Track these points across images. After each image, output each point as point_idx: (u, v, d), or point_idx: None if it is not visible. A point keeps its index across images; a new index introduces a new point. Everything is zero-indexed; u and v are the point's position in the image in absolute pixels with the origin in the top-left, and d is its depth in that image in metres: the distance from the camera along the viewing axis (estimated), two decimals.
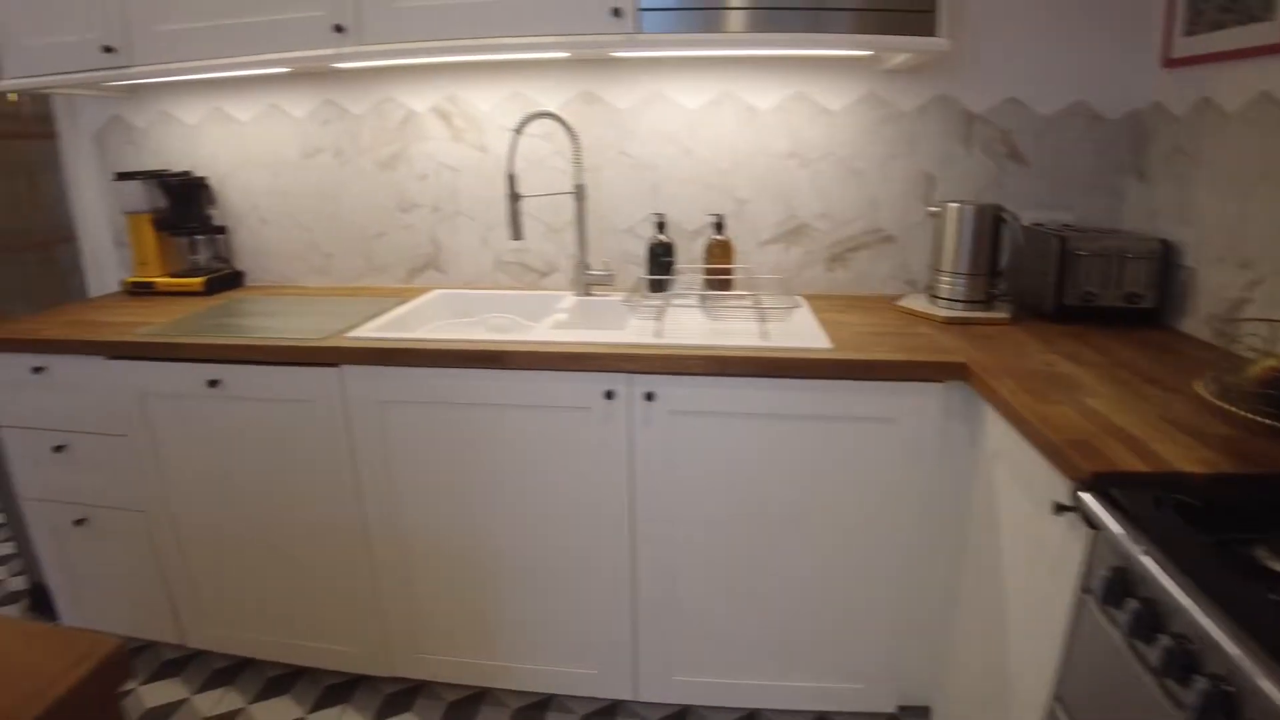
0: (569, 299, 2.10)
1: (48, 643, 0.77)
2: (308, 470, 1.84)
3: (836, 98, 2.08)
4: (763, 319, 1.82)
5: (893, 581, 1.73)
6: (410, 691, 2.07)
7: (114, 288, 2.59)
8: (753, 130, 2.12)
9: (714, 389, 1.62)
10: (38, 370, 1.96)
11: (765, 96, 2.10)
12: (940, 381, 1.58)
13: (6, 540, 3.02)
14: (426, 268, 2.33)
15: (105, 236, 2.59)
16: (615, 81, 2.13)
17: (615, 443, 1.68)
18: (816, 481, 1.67)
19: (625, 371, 1.62)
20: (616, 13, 1.73)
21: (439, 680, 2.02)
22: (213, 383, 1.81)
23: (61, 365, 1.95)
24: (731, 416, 1.64)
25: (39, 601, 2.49)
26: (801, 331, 1.75)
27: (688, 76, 2.11)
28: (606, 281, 2.17)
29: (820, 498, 1.68)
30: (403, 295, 2.21)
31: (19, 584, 2.71)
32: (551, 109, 2.15)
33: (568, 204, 2.21)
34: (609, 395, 1.64)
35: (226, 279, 2.36)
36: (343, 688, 2.09)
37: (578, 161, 2.07)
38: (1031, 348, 1.67)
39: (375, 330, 1.82)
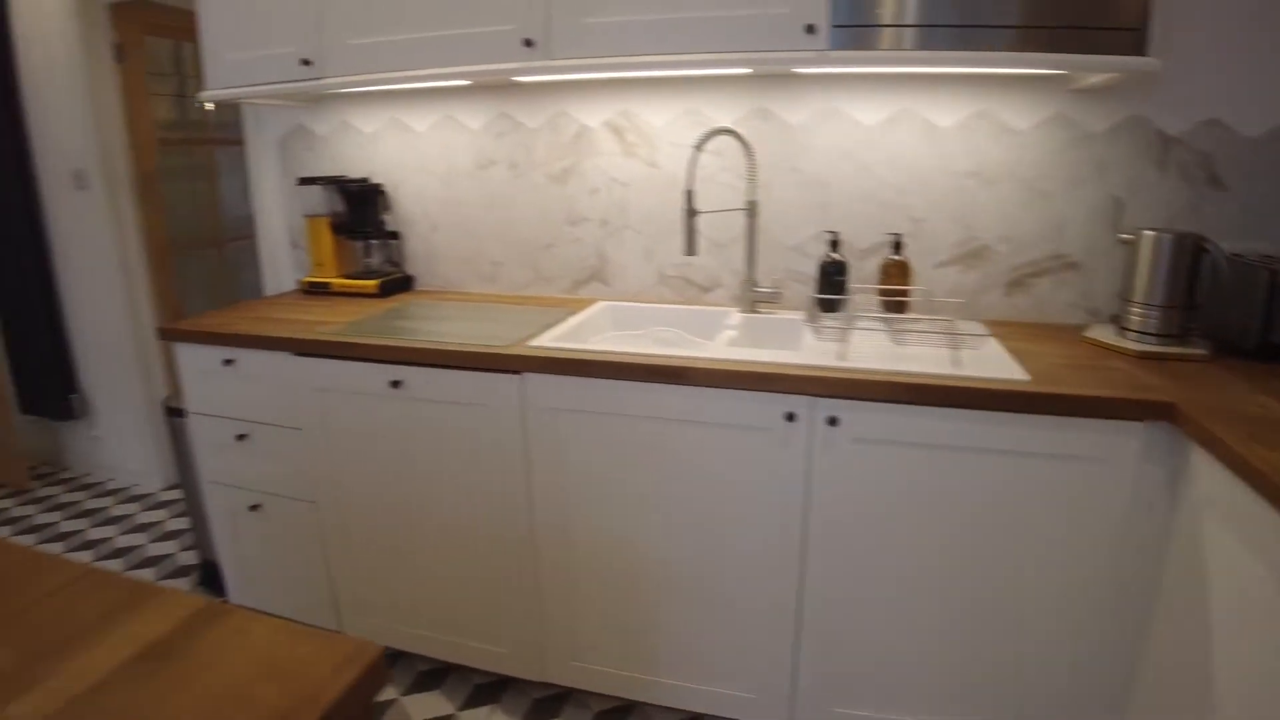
0: (735, 316, 2.08)
1: (312, 645, 0.78)
2: (480, 472, 1.88)
3: (1022, 116, 1.99)
4: (951, 345, 1.75)
5: (1073, 626, 1.62)
6: (559, 698, 2.08)
7: (289, 286, 2.73)
8: (932, 148, 2.05)
9: (900, 417, 1.56)
10: (228, 363, 2.08)
11: (946, 114, 2.03)
12: (1141, 421, 1.47)
13: (180, 515, 3.22)
14: (591, 280, 2.36)
15: (282, 238, 2.74)
16: (790, 97, 2.10)
17: (792, 466, 1.64)
18: (1000, 517, 1.58)
19: (808, 394, 1.59)
20: (810, 29, 1.70)
21: (588, 689, 2.03)
22: (395, 383, 1.87)
23: (249, 359, 2.05)
24: (918, 447, 1.57)
25: (208, 578, 2.64)
26: (992, 360, 1.67)
27: (865, 92, 2.06)
28: (773, 299, 2.14)
29: (1002, 534, 1.59)
30: (568, 306, 2.24)
31: (189, 558, 2.88)
32: (726, 125, 2.14)
33: (734, 220, 2.19)
34: (790, 418, 1.61)
35: (398, 282, 2.45)
36: (492, 687, 2.12)
37: (752, 178, 2.05)
38: (1238, 388, 1.54)
39: (554, 340, 1.84)
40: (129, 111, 3.25)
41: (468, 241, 2.46)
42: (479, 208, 2.42)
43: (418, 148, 2.46)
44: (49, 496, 3.55)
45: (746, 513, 1.72)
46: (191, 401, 2.20)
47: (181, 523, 3.17)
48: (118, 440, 3.57)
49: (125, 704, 0.70)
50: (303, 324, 2.09)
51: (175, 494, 3.45)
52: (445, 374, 1.83)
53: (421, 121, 2.44)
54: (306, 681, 0.73)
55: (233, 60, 2.23)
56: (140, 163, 3.29)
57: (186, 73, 3.68)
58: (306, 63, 2.11)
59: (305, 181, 2.46)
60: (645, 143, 2.23)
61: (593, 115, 2.26)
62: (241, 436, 2.14)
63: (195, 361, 2.14)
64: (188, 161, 3.69)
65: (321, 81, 2.10)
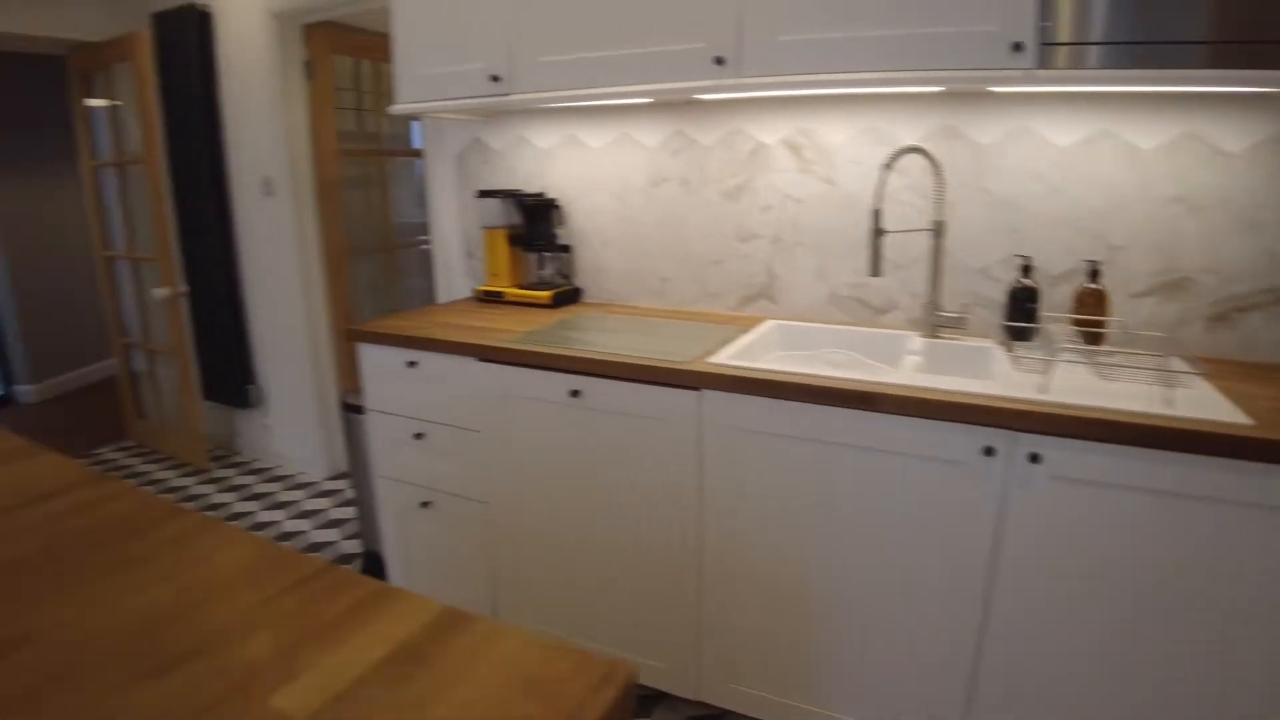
0: (916, 340, 2.02)
1: (566, 662, 0.78)
2: (651, 485, 1.90)
3: (1236, 139, 1.85)
4: (1162, 382, 1.64)
5: None
6: (711, 719, 2.07)
7: (461, 294, 2.85)
8: (1133, 172, 1.93)
9: (1107, 457, 1.47)
10: (411, 364, 2.18)
11: (1149, 135, 1.91)
12: None
13: (342, 505, 3.40)
14: (759, 297, 2.34)
15: (457, 247, 2.85)
16: (980, 116, 2.03)
17: (985, 502, 1.57)
18: (1210, 570, 1.46)
19: (1009, 428, 1.52)
20: (1017, 48, 1.63)
21: (745, 713, 2.00)
22: (575, 393, 1.91)
23: (433, 362, 2.15)
24: (1125, 490, 1.47)
25: (370, 568, 2.77)
26: (1206, 401, 1.55)
27: (1061, 111, 1.96)
28: (958, 325, 2.06)
29: (1211, 588, 1.47)
30: (735, 323, 2.23)
31: (351, 547, 3.03)
32: (912, 143, 2.09)
33: (916, 240, 2.13)
34: (988, 452, 1.54)
35: (568, 294, 2.51)
36: (645, 701, 2.13)
37: (939, 198, 1.99)
38: None
39: (730, 358, 1.84)
40: (314, 124, 3.47)
41: (638, 257, 2.49)
42: (650, 224, 2.45)
43: (592, 164, 2.51)
44: (224, 478, 3.82)
45: (930, 546, 1.66)
46: (372, 399, 2.32)
47: (343, 511, 3.34)
48: (287, 429, 3.81)
49: (387, 706, 0.72)
50: (483, 331, 2.17)
51: (337, 484, 3.65)
52: (623, 386, 1.86)
53: (597, 138, 2.49)
54: (567, 701, 0.72)
55: (424, 75, 2.35)
56: (322, 172, 3.51)
57: (364, 88, 3.90)
58: (496, 79, 2.20)
59: (485, 194, 2.55)
60: (823, 160, 2.20)
61: (769, 132, 2.25)
62: (419, 435, 2.24)
63: (379, 362, 2.25)
64: (361, 171, 3.91)
65: (510, 97, 2.18)
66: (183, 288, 3.73)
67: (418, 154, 4.10)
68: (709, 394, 1.76)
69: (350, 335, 2.29)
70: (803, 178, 2.24)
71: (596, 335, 2.08)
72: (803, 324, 2.22)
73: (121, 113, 3.92)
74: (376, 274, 4.00)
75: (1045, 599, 1.59)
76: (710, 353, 1.88)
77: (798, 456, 1.72)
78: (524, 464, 2.08)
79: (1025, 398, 1.53)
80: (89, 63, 3.88)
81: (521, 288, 2.53)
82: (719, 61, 1.89)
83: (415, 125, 4.18)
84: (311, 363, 3.59)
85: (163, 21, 3.61)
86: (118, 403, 4.71)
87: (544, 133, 2.58)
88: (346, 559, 2.95)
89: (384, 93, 3.94)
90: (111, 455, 4.33)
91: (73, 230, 5.62)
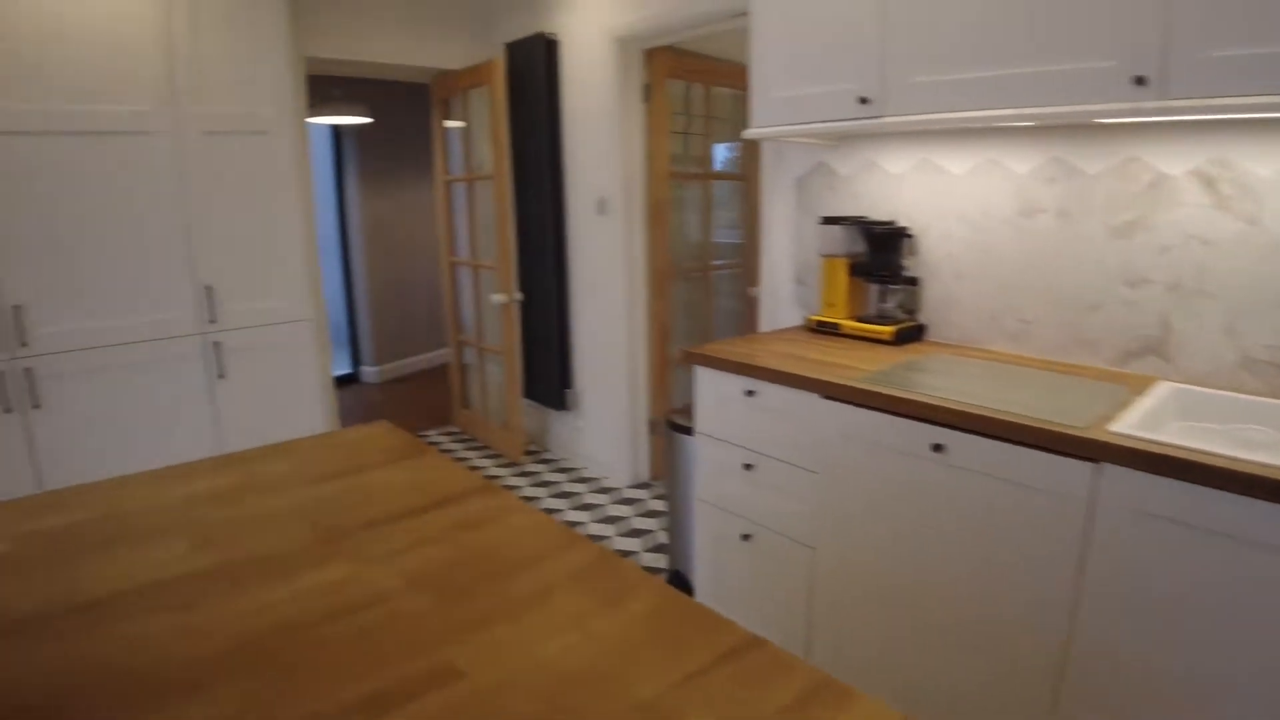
0: None
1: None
2: (1014, 561, 1.69)
3: None
4: None
5: None
6: None
7: (786, 321, 2.79)
8: None
9: None
10: (750, 394, 2.13)
11: None
12: None
13: (645, 515, 3.47)
14: (1146, 353, 2.03)
15: (788, 273, 2.80)
16: None
17: None
18: None
19: None
20: None
21: None
22: (937, 447, 1.76)
23: (772, 393, 2.09)
24: None
25: (673, 586, 2.78)
26: None
27: None
28: None
29: None
30: (1118, 381, 1.94)
31: (652, 560, 3.08)
32: None
33: None
34: None
35: (911, 331, 2.35)
36: None
37: None
38: None
39: (1134, 427, 1.58)
40: (649, 146, 3.60)
41: (996, 294, 2.27)
42: (1014, 258, 2.22)
43: (950, 191, 2.33)
44: (535, 473, 4.09)
45: None
46: (702, 423, 2.32)
47: (645, 522, 3.42)
48: (596, 434, 4.00)
49: None
50: (823, 365, 2.08)
51: (640, 493, 3.75)
52: (996, 446, 1.67)
53: (957, 163, 2.31)
54: None
55: (781, 98, 2.31)
56: (653, 193, 3.63)
57: (693, 112, 3.99)
58: (864, 101, 2.10)
59: (829, 221, 2.47)
60: (1246, 196, 1.85)
61: (1175, 161, 1.93)
62: (748, 466, 2.19)
63: (715, 387, 2.24)
64: (684, 193, 4.00)
65: (881, 120, 2.07)
66: (517, 295, 4.05)
67: (742, 178, 4.13)
68: (1111, 469, 1.52)
69: (689, 358, 2.30)
70: (1216, 215, 1.90)
71: (953, 381, 1.91)
72: (1206, 390, 1.88)
73: (472, 133, 4.34)
74: (691, 294, 4.08)
75: None
76: (1108, 418, 1.63)
77: (1232, 563, 1.42)
78: (862, 513, 1.96)
79: None
80: (448, 88, 4.35)
81: (860, 320, 2.41)
82: (1139, 81, 1.64)
83: (716, 148, 4.21)
84: (627, 375, 3.72)
85: (515, 50, 3.94)
86: (447, 391, 5.25)
87: (897, 157, 2.44)
88: (649, 572, 2.99)
89: (712, 116, 4.00)
90: (438, 438, 4.82)
91: (422, 236, 6.40)
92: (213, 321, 3.04)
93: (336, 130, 6.02)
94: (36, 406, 2.72)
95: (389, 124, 5.90)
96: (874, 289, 2.45)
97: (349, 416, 5.19)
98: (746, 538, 2.26)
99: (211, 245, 3.01)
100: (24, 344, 2.67)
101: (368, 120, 5.28)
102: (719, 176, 4.16)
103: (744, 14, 2.82)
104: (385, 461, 1.46)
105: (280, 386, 3.24)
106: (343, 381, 6.19)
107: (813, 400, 1.99)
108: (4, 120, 2.55)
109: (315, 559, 1.06)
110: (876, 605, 1.98)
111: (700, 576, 2.48)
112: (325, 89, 4.71)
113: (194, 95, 2.89)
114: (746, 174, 4.15)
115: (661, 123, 3.61)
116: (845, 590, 2.04)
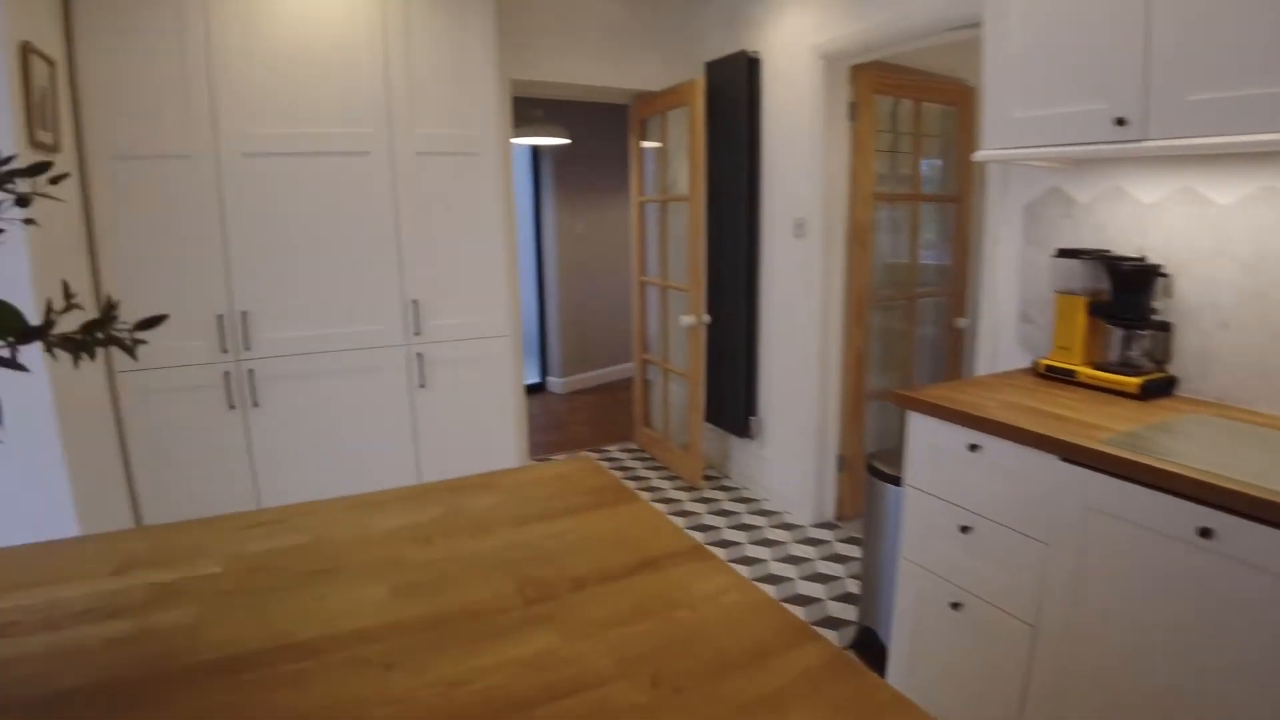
0: None
1: None
2: None
3: None
4: None
5: None
6: None
7: (1007, 362, 2.52)
8: None
9: None
10: (973, 448, 1.92)
11: None
12: None
13: (830, 559, 3.27)
14: None
15: (1010, 309, 2.53)
16: None
17: None
18: None
19: None
20: None
21: None
22: (1204, 532, 1.48)
23: (999, 450, 1.86)
24: None
25: (863, 643, 2.58)
26: None
27: None
28: None
29: None
30: None
31: (838, 610, 2.88)
32: None
33: None
34: None
35: (1160, 384, 2.03)
36: None
37: None
38: None
39: None
40: (852, 166, 3.41)
41: (1271, 348, 1.92)
42: None
43: (1215, 223, 2.00)
44: (714, 500, 3.98)
45: None
46: (913, 474, 2.12)
47: (830, 567, 3.22)
48: (780, 466, 3.84)
49: None
50: (1059, 420, 1.83)
51: (824, 533, 3.55)
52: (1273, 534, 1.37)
53: (1226, 192, 1.97)
54: None
55: (1020, 118, 2.07)
56: (855, 215, 3.43)
57: (899, 129, 3.75)
58: (1121, 122, 1.83)
59: (1066, 254, 2.19)
60: None
61: None
62: (965, 529, 1.97)
63: (931, 436, 2.04)
64: (888, 215, 3.77)
65: (1141, 144, 1.79)
66: (705, 317, 3.97)
67: (953, 200, 3.84)
68: None
69: (902, 401, 2.11)
70: None
71: (1222, 451, 1.60)
72: None
73: (668, 154, 4.32)
74: (888, 322, 3.83)
75: None
76: None
77: None
78: (1100, 596, 1.69)
79: None
80: (646, 109, 4.35)
81: (1098, 368, 2.11)
82: None
83: (923, 167, 3.93)
84: (818, 406, 3.54)
85: (714, 69, 3.87)
86: (628, 407, 5.26)
87: (1149, 183, 2.13)
88: (833, 623, 2.80)
89: (922, 134, 3.75)
90: (618, 454, 4.83)
91: (611, 254, 6.51)
92: (417, 334, 3.17)
93: (535, 150, 6.23)
94: (255, 405, 2.94)
95: (584, 144, 6.04)
96: (1117, 333, 2.14)
97: (535, 426, 5.33)
98: (956, 606, 2.04)
99: (419, 261, 3.14)
100: (248, 347, 2.90)
101: (565, 141, 5.41)
102: (928, 198, 3.88)
103: (966, 26, 2.61)
104: (589, 505, 1.40)
105: (476, 398, 3.33)
106: (530, 390, 6.38)
107: (1050, 462, 1.75)
108: (245, 143, 2.79)
109: (520, 621, 1.00)
110: (1108, 705, 1.70)
111: (897, 640, 2.27)
112: (528, 110, 4.86)
113: (408, 118, 3.03)
114: (957, 195, 3.85)
115: (866, 141, 3.41)
116: (1071, 682, 1.77)
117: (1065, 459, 1.71)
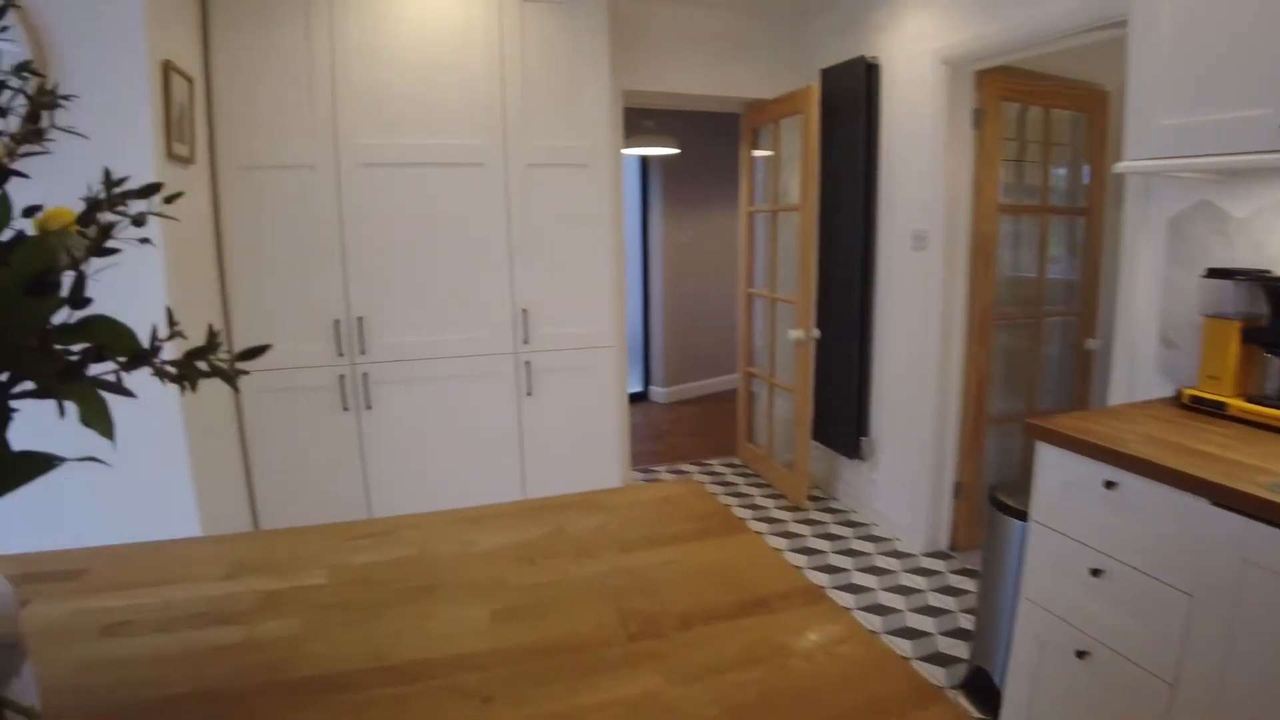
0: None
1: None
2: None
3: None
4: None
5: None
6: None
7: (1147, 390, 2.32)
8: None
9: None
10: (1110, 485, 1.76)
11: None
12: None
13: (942, 591, 3.09)
14: None
15: (1149, 332, 2.32)
16: None
17: None
18: None
19: None
20: None
21: None
22: None
23: (1140, 490, 1.69)
24: None
25: (974, 684, 2.43)
26: None
27: None
28: None
29: None
30: None
31: (948, 647, 2.72)
32: None
33: None
34: None
35: None
36: None
37: None
38: None
39: None
40: (977, 176, 3.24)
41: None
42: None
43: None
44: (820, 522, 3.85)
45: None
46: (1041, 510, 1.96)
47: (941, 599, 3.05)
48: (892, 491, 3.68)
49: None
50: (1210, 459, 1.65)
51: (936, 563, 3.37)
52: None
53: None
54: None
55: (1169, 125, 1.89)
56: (980, 227, 3.26)
57: (1027, 137, 3.54)
58: None
59: (1216, 274, 2.00)
60: None
61: None
62: (1096, 572, 1.81)
63: (1063, 470, 1.89)
64: (1013, 227, 3.56)
65: None
66: (815, 332, 3.85)
67: (1084, 212, 3.59)
68: None
69: (1034, 431, 1.96)
70: None
71: None
72: None
73: (780, 163, 4.22)
74: (1011, 341, 3.61)
75: None
76: None
77: None
78: (1254, 658, 1.51)
79: None
80: (758, 117, 4.27)
81: (1253, 401, 1.91)
82: None
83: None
84: (934, 429, 3.37)
85: (830, 75, 3.76)
86: (731, 419, 5.18)
87: None
88: (942, 659, 2.65)
89: (1052, 142, 3.52)
90: (720, 469, 4.75)
91: (717, 265, 6.44)
92: (526, 342, 3.20)
93: (644, 160, 6.23)
94: (369, 407, 3.03)
95: (693, 154, 6.00)
96: (1275, 363, 1.93)
97: (637, 435, 5.32)
98: (1082, 654, 1.87)
99: (529, 271, 3.17)
100: (363, 352, 2.99)
101: (674, 151, 5.38)
102: (1057, 210, 3.64)
103: (1108, 26, 2.42)
104: (696, 534, 1.34)
105: (580, 406, 3.34)
106: (633, 399, 6.38)
107: (1200, 506, 1.58)
108: (364, 154, 2.88)
109: (624, 659, 0.95)
110: None
111: (1013, 685, 2.11)
112: (638, 121, 4.87)
113: (521, 129, 3.07)
114: (1086, 207, 3.60)
115: (992, 150, 3.23)
116: None
117: (1217, 504, 1.54)
